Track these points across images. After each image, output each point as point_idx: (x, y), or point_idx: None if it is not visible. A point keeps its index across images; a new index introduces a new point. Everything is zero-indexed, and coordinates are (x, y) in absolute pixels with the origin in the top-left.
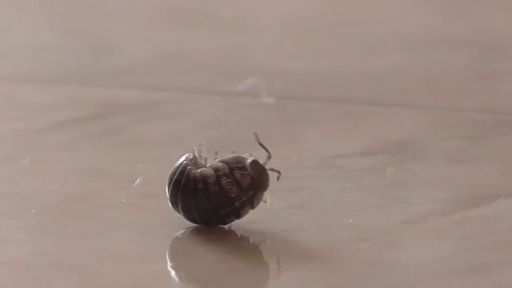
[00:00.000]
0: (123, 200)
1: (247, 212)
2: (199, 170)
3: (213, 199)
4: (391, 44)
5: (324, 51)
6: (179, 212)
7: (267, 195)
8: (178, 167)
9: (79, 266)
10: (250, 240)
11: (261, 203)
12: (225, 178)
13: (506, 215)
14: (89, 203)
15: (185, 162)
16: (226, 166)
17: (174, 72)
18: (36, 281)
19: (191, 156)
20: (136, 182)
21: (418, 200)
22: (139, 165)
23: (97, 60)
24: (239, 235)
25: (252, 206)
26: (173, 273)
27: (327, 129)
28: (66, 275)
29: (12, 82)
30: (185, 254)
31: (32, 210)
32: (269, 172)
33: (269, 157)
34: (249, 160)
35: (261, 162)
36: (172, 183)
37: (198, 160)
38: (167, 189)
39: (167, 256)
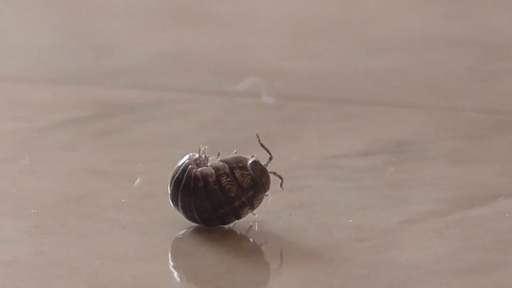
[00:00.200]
0: (123, 200)
1: (247, 213)
2: (200, 169)
3: (213, 198)
4: (391, 44)
5: (324, 51)
6: (179, 211)
7: (268, 196)
8: (181, 165)
9: (79, 266)
10: (250, 240)
11: (261, 205)
12: (225, 177)
13: (506, 215)
14: (89, 203)
15: (187, 161)
16: (226, 165)
17: (174, 72)
18: (36, 281)
19: (195, 156)
20: (136, 182)
21: (418, 200)
22: (139, 165)
23: (97, 60)
24: (239, 235)
25: (252, 207)
26: (173, 273)
27: (327, 129)
28: (66, 275)
29: (12, 82)
30: (185, 254)
31: (32, 210)
32: (272, 176)
33: (271, 158)
34: (250, 161)
35: (263, 164)
36: (173, 181)
37: (201, 160)
38: (168, 187)
39: (167, 256)
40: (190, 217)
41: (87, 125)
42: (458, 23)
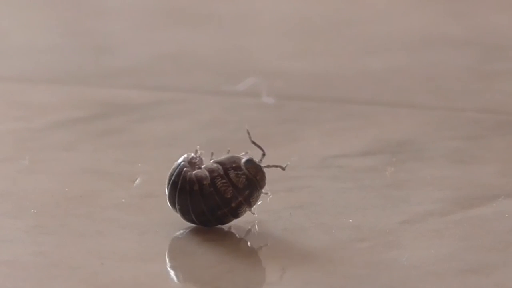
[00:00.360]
0: (123, 200)
1: (245, 212)
2: (194, 172)
3: (209, 201)
4: (391, 44)
5: (324, 51)
6: (177, 213)
7: (268, 194)
8: (176, 168)
9: (79, 266)
10: (250, 240)
11: (261, 205)
12: (219, 179)
13: (506, 215)
14: (89, 203)
15: (182, 163)
16: (220, 167)
17: (174, 72)
18: (36, 281)
19: (190, 157)
20: (136, 182)
21: (418, 200)
22: (139, 165)
23: (97, 60)
24: (239, 235)
25: (250, 205)
26: (172, 273)
27: (327, 129)
28: (66, 275)
29: (12, 82)
30: (185, 254)
31: (32, 210)
32: (270, 169)
33: (264, 154)
34: (243, 160)
35: (256, 160)
36: (170, 184)
37: (196, 161)
38: (166, 189)
39: (166, 256)
40: (189, 219)
41: (87, 125)
42: (458, 23)
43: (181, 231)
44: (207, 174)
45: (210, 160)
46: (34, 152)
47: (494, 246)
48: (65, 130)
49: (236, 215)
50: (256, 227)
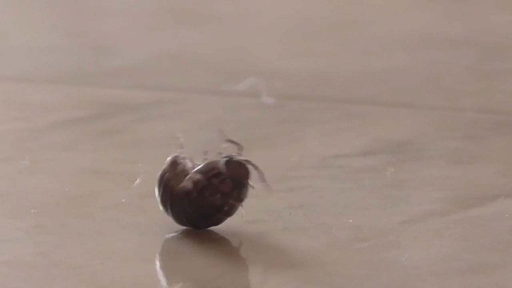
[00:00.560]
0: (123, 200)
1: (237, 208)
2: (180, 186)
3: (201, 211)
4: (391, 44)
5: (324, 51)
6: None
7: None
8: (161, 182)
9: (79, 266)
10: (250, 240)
11: (261, 205)
12: (205, 190)
13: (506, 215)
14: (89, 203)
15: (166, 175)
16: (203, 176)
17: (174, 72)
18: (36, 281)
19: (174, 160)
20: (136, 182)
21: (418, 200)
22: (139, 165)
23: (97, 60)
24: (239, 235)
25: (241, 201)
26: (172, 273)
27: (327, 129)
28: (66, 275)
29: (12, 82)
30: (185, 254)
31: (32, 210)
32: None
33: (241, 148)
34: (222, 162)
35: (234, 156)
36: (159, 196)
37: (180, 165)
38: (157, 196)
39: (167, 256)
40: (186, 225)
41: (87, 125)
42: (458, 23)
43: (181, 231)
44: (192, 186)
45: (191, 167)
46: (34, 152)
47: (494, 246)
48: (65, 130)
49: (229, 214)
50: (256, 227)
